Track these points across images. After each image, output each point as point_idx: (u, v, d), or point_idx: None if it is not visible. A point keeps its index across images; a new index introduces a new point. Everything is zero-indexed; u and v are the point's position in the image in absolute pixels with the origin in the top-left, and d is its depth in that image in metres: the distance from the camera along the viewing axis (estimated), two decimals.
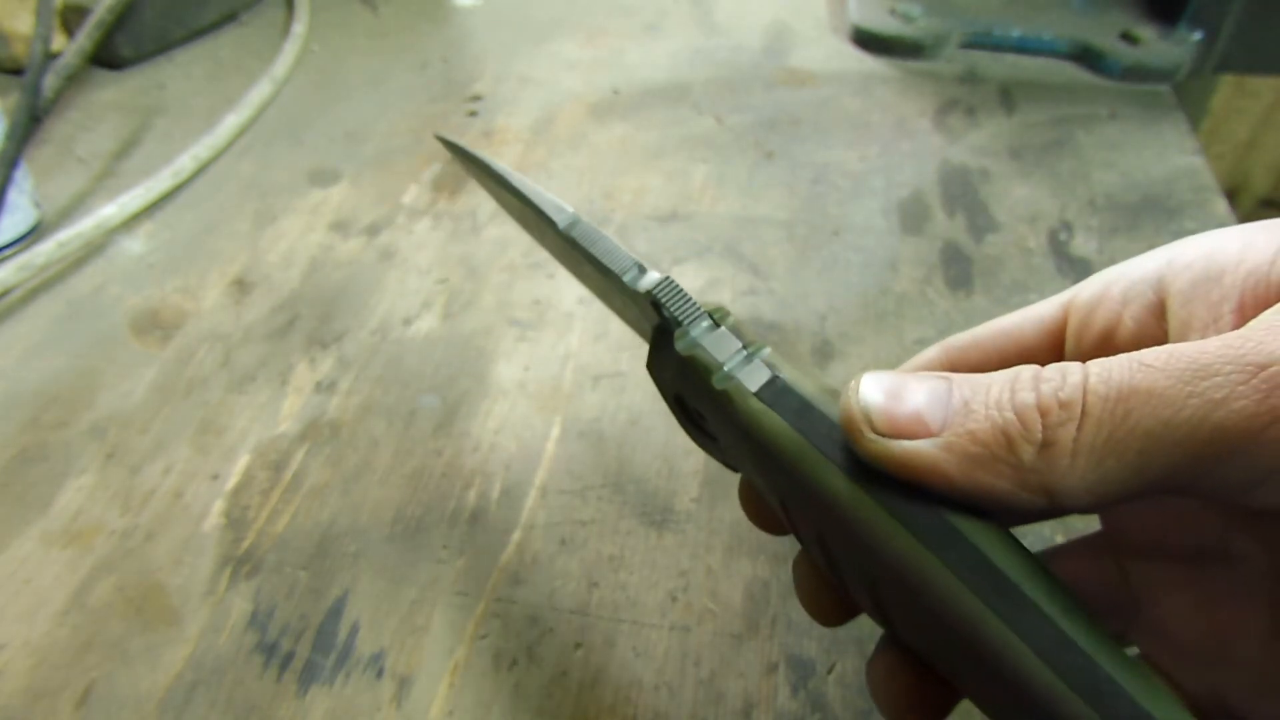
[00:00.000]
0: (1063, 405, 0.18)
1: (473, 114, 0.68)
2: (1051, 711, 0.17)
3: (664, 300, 0.25)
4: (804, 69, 0.73)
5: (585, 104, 0.69)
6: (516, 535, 0.39)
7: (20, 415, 0.45)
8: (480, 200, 0.59)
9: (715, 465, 0.41)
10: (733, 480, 0.40)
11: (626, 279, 0.26)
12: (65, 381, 0.46)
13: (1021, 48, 0.70)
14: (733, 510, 0.39)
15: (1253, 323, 0.18)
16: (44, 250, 0.52)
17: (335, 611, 0.36)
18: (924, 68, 0.73)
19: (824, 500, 0.20)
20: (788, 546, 0.38)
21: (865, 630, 0.35)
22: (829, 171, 0.61)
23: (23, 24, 0.70)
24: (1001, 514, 0.19)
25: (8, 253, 0.54)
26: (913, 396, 0.20)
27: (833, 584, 0.24)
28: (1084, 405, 0.18)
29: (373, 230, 0.56)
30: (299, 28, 0.78)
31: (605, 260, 0.27)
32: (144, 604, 0.37)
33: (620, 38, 0.78)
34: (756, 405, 0.22)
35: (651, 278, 0.26)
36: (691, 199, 0.59)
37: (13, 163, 0.53)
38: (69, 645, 0.35)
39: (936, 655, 0.20)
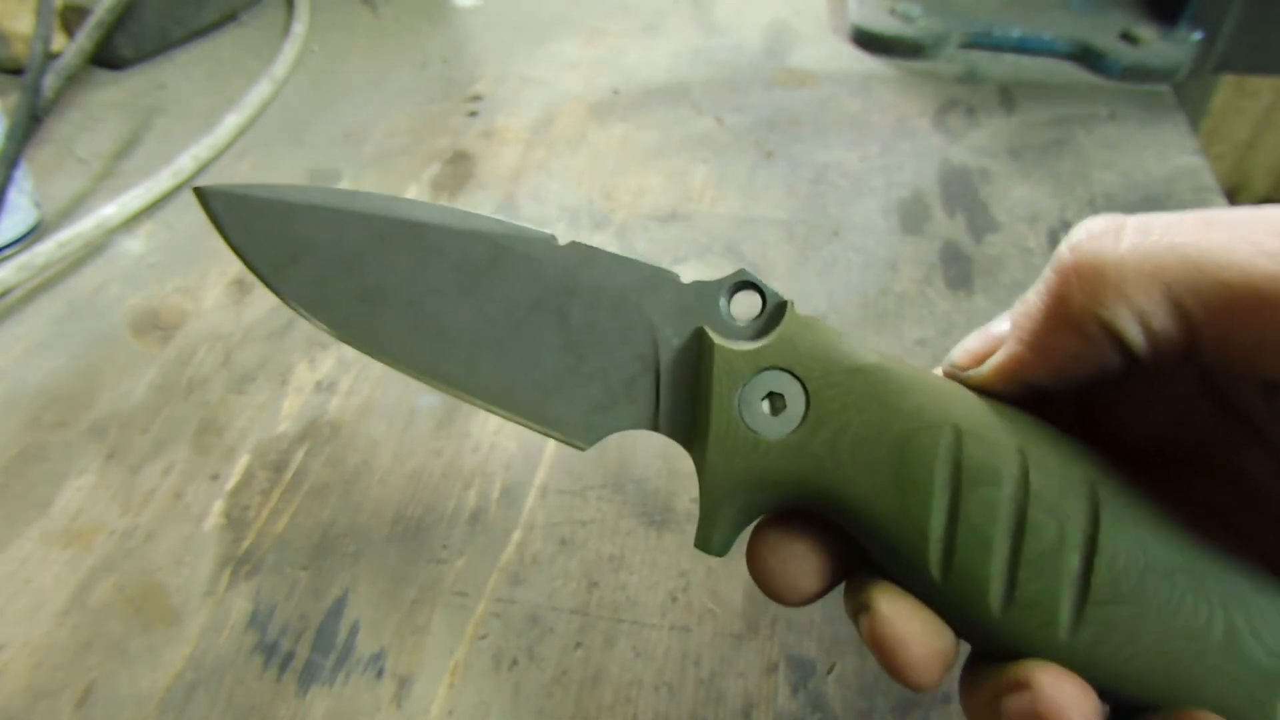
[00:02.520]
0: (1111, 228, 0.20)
1: (473, 114, 0.68)
2: None
3: (755, 281, 0.23)
4: (804, 69, 0.73)
5: (585, 104, 0.69)
6: (516, 535, 0.39)
7: (20, 415, 0.45)
8: (480, 200, 0.59)
9: None
10: None
11: (672, 275, 0.24)
12: (65, 381, 0.46)
13: (1021, 48, 0.70)
14: None
15: None
16: (44, 250, 0.52)
17: (335, 611, 0.36)
18: (924, 68, 0.73)
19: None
20: None
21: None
22: (829, 171, 0.61)
23: (23, 24, 0.70)
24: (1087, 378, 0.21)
25: (8, 253, 0.54)
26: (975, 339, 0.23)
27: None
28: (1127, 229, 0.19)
29: None
30: (299, 28, 0.78)
31: (628, 265, 0.24)
32: (144, 604, 0.37)
33: (620, 38, 0.78)
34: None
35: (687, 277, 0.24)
36: (691, 199, 0.59)
37: (13, 163, 0.53)
38: (69, 645, 0.35)
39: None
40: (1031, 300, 0.21)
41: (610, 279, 0.24)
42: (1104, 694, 0.20)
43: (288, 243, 0.24)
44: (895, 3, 0.72)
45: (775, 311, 0.23)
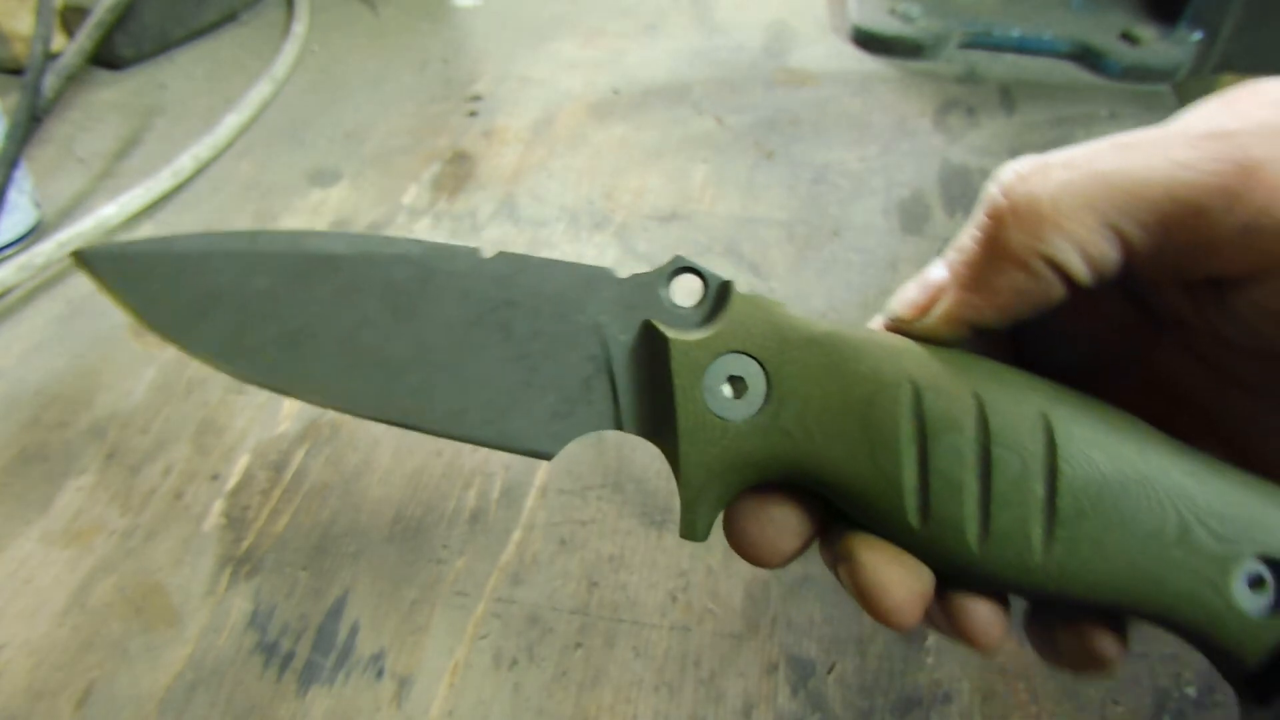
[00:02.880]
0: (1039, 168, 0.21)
1: (473, 114, 0.68)
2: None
3: (695, 265, 0.23)
4: (804, 69, 0.73)
5: (585, 104, 0.69)
6: (516, 535, 0.39)
7: (20, 415, 0.45)
8: (480, 201, 0.59)
9: None
10: None
11: (615, 273, 0.24)
12: (65, 381, 0.46)
13: (1021, 48, 0.70)
14: None
15: (1197, 112, 0.21)
16: (44, 250, 0.52)
17: (335, 611, 0.36)
18: (924, 68, 0.73)
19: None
20: None
21: (866, 630, 0.35)
22: (829, 171, 0.61)
23: (23, 24, 0.70)
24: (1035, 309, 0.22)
25: (8, 253, 0.54)
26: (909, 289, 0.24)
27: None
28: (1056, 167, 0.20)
29: (373, 230, 0.56)
30: (299, 28, 0.78)
31: (563, 267, 0.24)
32: (144, 604, 0.37)
33: (620, 38, 0.78)
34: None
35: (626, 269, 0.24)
36: (691, 199, 0.59)
37: (13, 163, 0.53)
38: (69, 645, 0.35)
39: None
40: (969, 246, 0.22)
41: (547, 284, 0.24)
42: (1079, 605, 0.22)
43: (190, 296, 0.23)
44: (895, 3, 0.72)
45: (719, 293, 0.23)
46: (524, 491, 0.40)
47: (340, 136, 0.66)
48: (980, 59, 0.73)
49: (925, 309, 0.23)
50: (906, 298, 0.24)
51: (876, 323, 0.24)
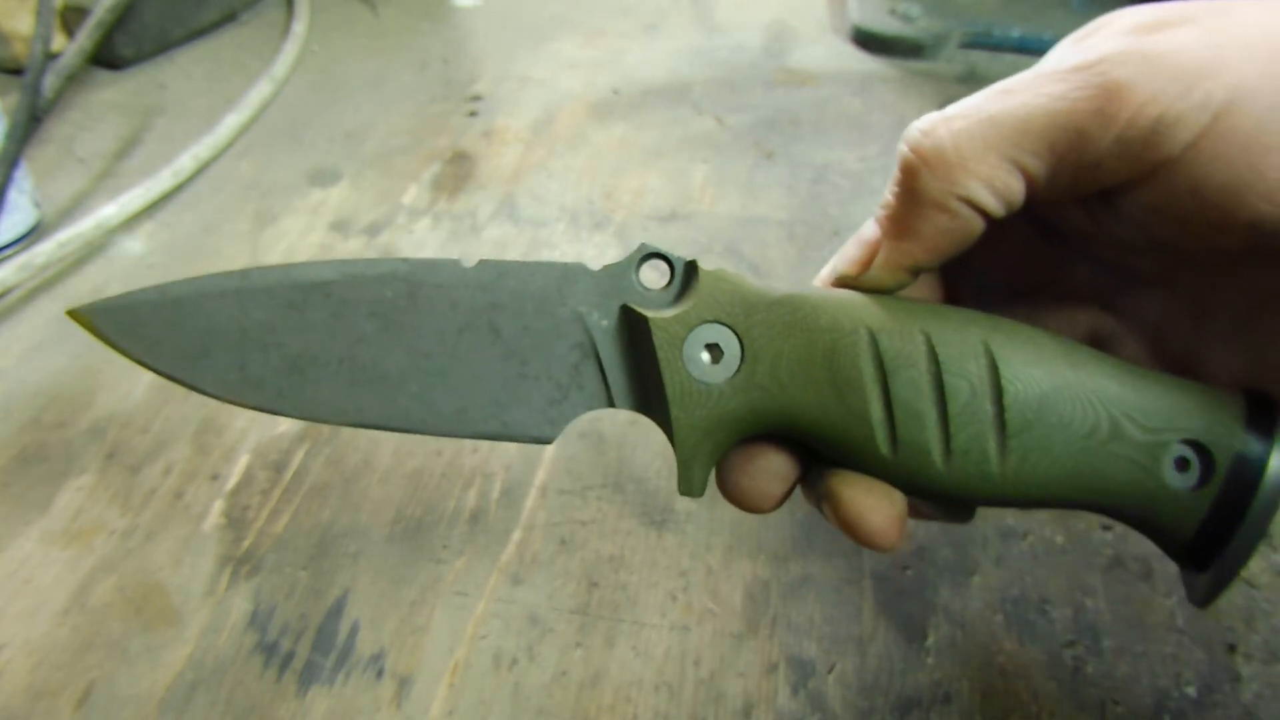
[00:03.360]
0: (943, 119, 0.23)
1: (473, 114, 0.68)
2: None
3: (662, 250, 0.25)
4: (804, 69, 0.73)
5: (585, 104, 0.69)
6: (516, 535, 0.39)
7: (20, 415, 0.45)
8: (480, 201, 0.59)
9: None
10: None
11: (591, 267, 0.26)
12: (65, 381, 0.46)
13: (1021, 48, 0.70)
14: (733, 510, 0.39)
15: (1060, 50, 0.24)
16: (44, 250, 0.52)
17: (335, 611, 0.36)
18: (924, 68, 0.73)
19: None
20: (788, 547, 0.38)
21: (866, 630, 0.35)
22: (829, 171, 0.61)
23: (23, 24, 0.70)
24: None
25: (8, 253, 0.54)
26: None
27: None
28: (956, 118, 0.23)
29: (373, 230, 0.56)
30: (299, 28, 0.78)
31: (541, 267, 0.25)
32: (144, 604, 0.37)
33: (620, 38, 0.78)
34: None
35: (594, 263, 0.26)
36: (691, 199, 0.59)
37: (13, 163, 0.53)
38: (69, 645, 0.35)
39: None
40: (893, 202, 0.25)
41: (528, 284, 0.25)
42: (1036, 504, 0.25)
43: (192, 338, 0.25)
44: (895, 3, 0.72)
45: (686, 272, 0.25)
46: (524, 491, 0.40)
47: (340, 136, 0.66)
48: (980, 59, 0.73)
49: (867, 263, 0.26)
50: (849, 256, 0.26)
51: (819, 282, 0.27)
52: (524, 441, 0.26)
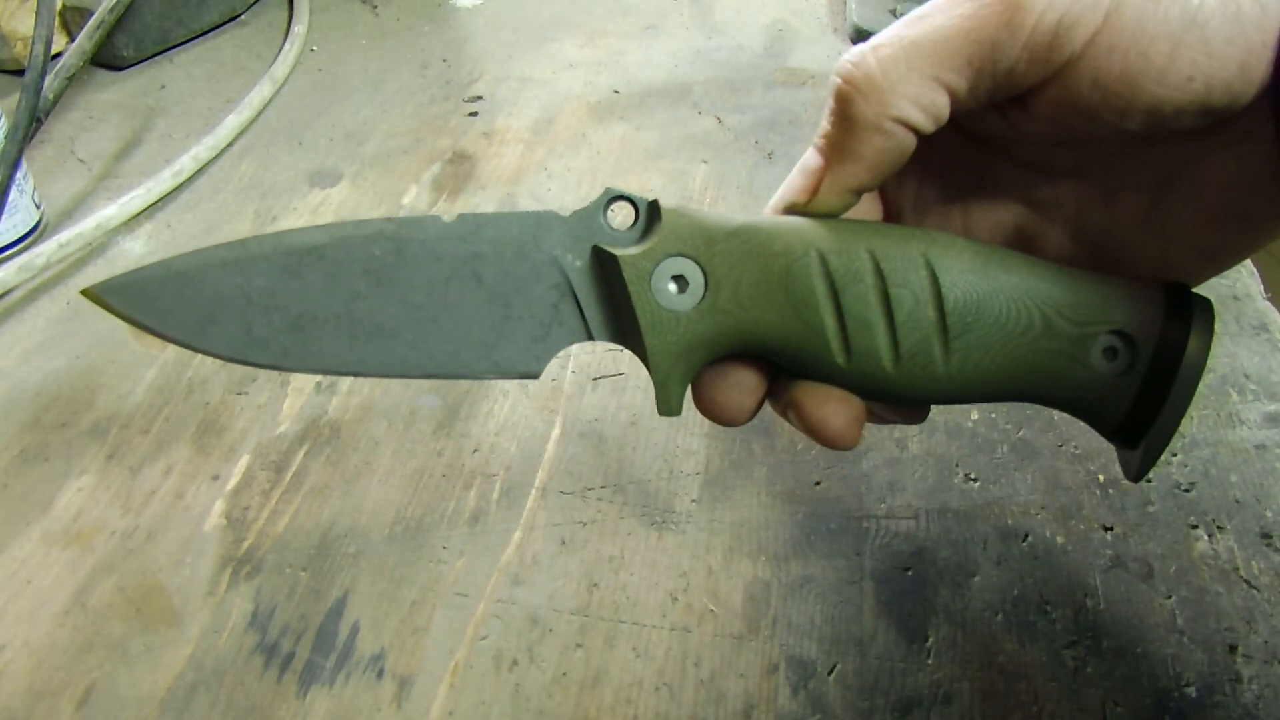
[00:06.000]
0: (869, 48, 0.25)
1: (473, 114, 0.68)
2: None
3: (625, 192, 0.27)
4: (804, 69, 0.73)
5: (585, 104, 0.69)
6: (516, 536, 0.39)
7: (21, 415, 0.45)
8: (480, 201, 0.59)
9: (716, 466, 0.41)
10: (734, 481, 0.40)
11: (563, 214, 0.27)
12: (66, 382, 0.47)
13: None
14: (734, 511, 0.39)
15: None
16: (45, 251, 0.52)
17: (335, 612, 0.36)
18: None
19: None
20: (788, 547, 0.38)
21: (866, 630, 0.35)
22: None
23: (23, 24, 0.70)
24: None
25: (9, 253, 0.54)
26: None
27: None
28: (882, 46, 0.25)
29: None
30: (299, 28, 0.78)
31: (516, 217, 0.27)
32: (144, 604, 0.37)
33: (620, 38, 0.78)
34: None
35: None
36: (692, 199, 0.59)
37: (14, 163, 0.53)
38: (70, 646, 0.35)
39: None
40: (829, 130, 0.27)
41: (505, 233, 0.27)
42: (982, 400, 0.28)
43: (199, 307, 0.26)
44: (895, 3, 0.72)
45: (650, 212, 0.27)
46: (524, 492, 0.40)
47: (340, 137, 0.66)
48: None
49: (813, 190, 0.28)
50: (795, 185, 0.28)
51: (770, 210, 0.29)
52: (513, 378, 0.28)
